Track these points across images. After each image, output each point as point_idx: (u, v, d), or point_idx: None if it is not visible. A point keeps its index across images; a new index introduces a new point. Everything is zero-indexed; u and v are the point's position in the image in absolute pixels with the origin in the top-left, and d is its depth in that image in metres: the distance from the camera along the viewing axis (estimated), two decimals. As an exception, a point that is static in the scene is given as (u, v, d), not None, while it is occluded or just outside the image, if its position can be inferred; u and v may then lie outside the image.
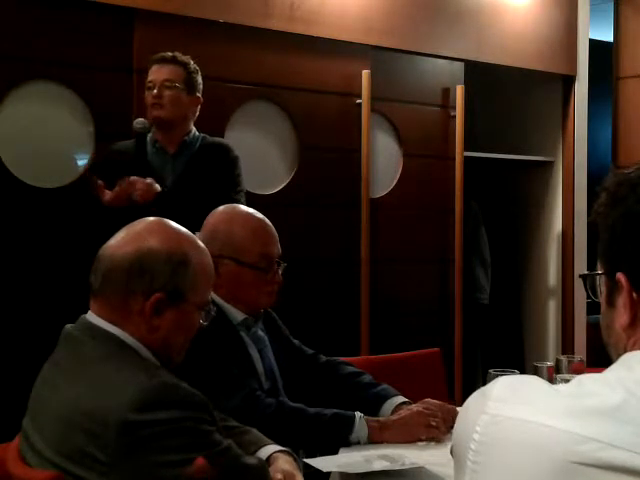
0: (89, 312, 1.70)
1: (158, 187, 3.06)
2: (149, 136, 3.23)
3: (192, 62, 3.28)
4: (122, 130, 3.46)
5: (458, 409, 2.16)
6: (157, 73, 3.22)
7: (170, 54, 3.24)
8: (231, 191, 3.20)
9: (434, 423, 2.16)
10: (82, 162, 3.48)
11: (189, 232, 1.78)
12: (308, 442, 2.13)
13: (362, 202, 4.16)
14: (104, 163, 3.25)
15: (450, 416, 2.17)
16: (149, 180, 3.06)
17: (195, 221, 2.32)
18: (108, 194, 3.04)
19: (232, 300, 2.27)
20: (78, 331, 1.68)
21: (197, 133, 3.31)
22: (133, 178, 3.03)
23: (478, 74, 4.77)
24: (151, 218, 1.80)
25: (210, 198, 2.79)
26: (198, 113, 3.32)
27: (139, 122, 3.19)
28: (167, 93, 3.20)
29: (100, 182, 3.05)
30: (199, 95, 3.30)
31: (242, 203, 2.61)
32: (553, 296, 5.17)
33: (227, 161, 3.29)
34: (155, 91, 3.19)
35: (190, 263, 1.71)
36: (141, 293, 1.66)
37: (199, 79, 3.30)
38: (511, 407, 0.97)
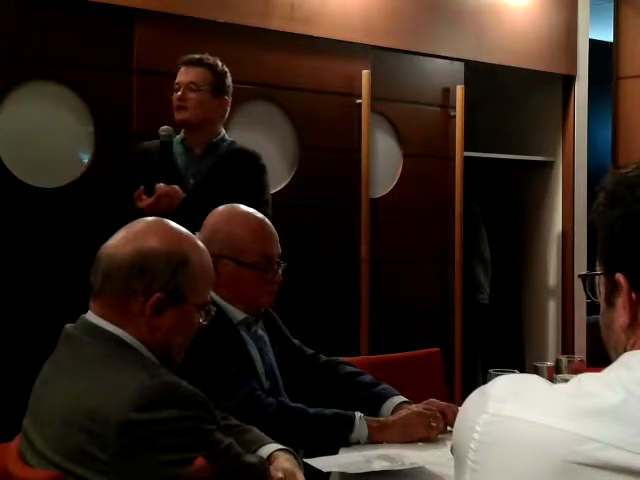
0: (89, 312, 1.70)
1: (182, 194, 3.07)
2: (177, 137, 3.23)
3: (220, 64, 3.27)
4: (122, 130, 3.47)
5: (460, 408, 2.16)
6: (183, 75, 3.22)
7: (197, 56, 3.24)
8: (256, 200, 3.14)
9: (434, 424, 2.16)
10: (82, 162, 3.48)
11: (189, 232, 1.79)
12: (308, 442, 2.13)
13: (362, 202, 4.16)
14: (134, 162, 3.24)
15: (455, 416, 2.17)
16: (174, 189, 3.06)
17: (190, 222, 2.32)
18: (145, 201, 3.04)
19: (232, 300, 2.27)
20: (78, 331, 1.69)
21: (226, 137, 3.30)
22: (160, 188, 3.03)
23: (478, 74, 4.77)
24: (150, 218, 1.80)
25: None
26: (227, 115, 3.33)
27: (164, 129, 3.17)
28: (191, 96, 3.19)
29: (141, 187, 3.05)
30: (227, 97, 3.29)
31: (267, 214, 2.56)
32: (553, 296, 5.17)
33: (253, 169, 3.26)
34: (179, 93, 3.20)
35: (190, 263, 1.71)
36: (141, 293, 1.66)
37: (227, 81, 3.29)
38: (511, 407, 0.97)
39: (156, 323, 1.67)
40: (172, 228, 1.76)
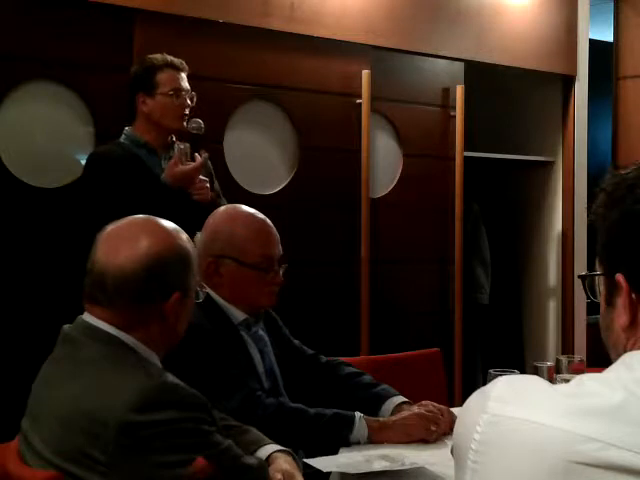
0: (85, 314, 1.69)
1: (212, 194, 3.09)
2: (126, 136, 3.17)
3: None
4: (122, 130, 3.46)
5: (455, 410, 2.17)
6: (181, 81, 3.17)
7: (181, 60, 3.21)
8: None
9: (434, 428, 2.15)
10: (82, 162, 3.47)
11: (175, 225, 1.78)
12: (308, 442, 2.13)
13: (362, 202, 4.16)
14: (111, 169, 3.08)
15: (450, 419, 2.17)
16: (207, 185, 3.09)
17: (193, 222, 2.33)
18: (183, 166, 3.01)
19: (233, 300, 2.28)
20: (76, 332, 1.68)
21: None
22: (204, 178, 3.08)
23: (478, 74, 4.77)
24: (135, 217, 1.77)
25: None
26: None
27: (195, 122, 3.14)
28: (190, 103, 3.17)
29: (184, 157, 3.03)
30: None
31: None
32: (553, 296, 5.17)
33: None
34: (188, 102, 3.15)
35: (191, 256, 1.73)
36: (159, 297, 1.66)
37: None
38: (512, 407, 0.97)
39: (173, 321, 1.69)
40: (164, 226, 1.74)
